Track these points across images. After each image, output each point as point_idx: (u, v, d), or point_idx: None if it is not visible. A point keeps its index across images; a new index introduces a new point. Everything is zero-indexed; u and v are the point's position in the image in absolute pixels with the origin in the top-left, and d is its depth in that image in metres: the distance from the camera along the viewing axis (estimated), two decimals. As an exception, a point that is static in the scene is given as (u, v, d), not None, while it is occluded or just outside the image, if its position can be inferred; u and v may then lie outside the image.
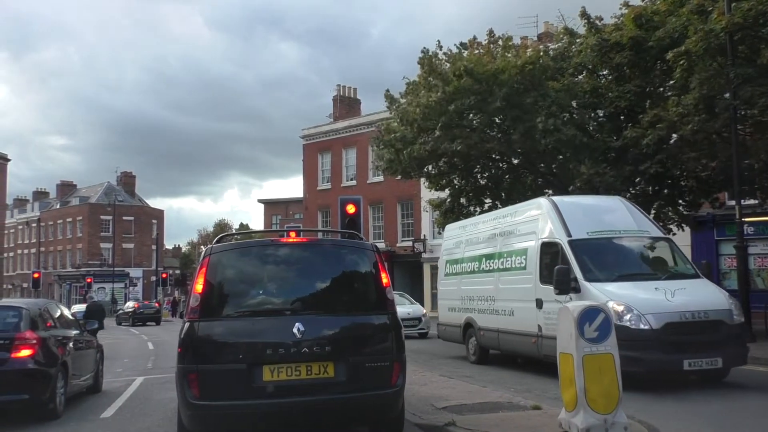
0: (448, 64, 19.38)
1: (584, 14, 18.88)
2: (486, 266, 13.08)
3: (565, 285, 9.73)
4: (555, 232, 10.74)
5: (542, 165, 20.16)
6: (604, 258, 10.48)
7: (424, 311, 22.29)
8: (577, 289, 9.72)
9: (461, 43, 20.16)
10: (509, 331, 11.82)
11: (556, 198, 11.96)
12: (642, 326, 8.92)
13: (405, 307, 21.56)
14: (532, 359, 11.53)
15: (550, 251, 10.81)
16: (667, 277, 10.17)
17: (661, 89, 17.95)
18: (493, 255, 12.79)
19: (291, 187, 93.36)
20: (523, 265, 11.57)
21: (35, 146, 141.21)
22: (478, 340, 13.24)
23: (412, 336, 20.38)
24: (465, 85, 18.14)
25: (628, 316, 9.01)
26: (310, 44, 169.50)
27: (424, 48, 20.05)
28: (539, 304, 10.79)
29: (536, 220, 11.44)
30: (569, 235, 10.46)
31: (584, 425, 5.70)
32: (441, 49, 20.02)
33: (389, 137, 20.58)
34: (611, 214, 11.12)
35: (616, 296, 9.31)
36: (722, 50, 14.47)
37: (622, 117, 18.46)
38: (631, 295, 9.38)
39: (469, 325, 13.63)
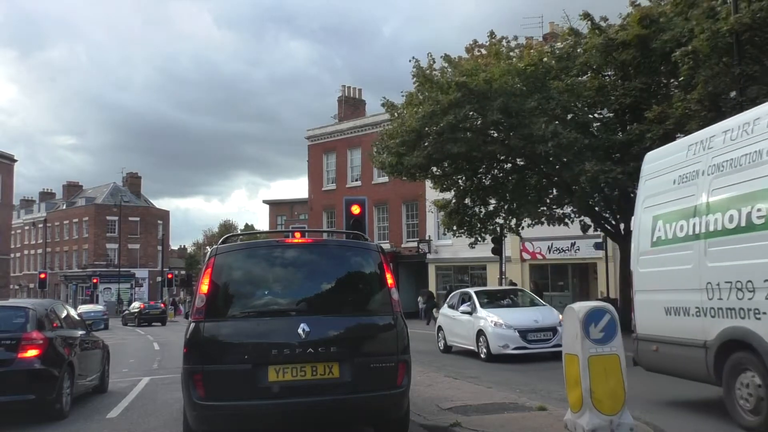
0: (450, 69, 19.28)
1: (586, 15, 18.88)
2: None
3: None
4: None
5: (544, 169, 20.11)
6: None
7: (560, 317, 13.56)
8: None
9: (447, 57, 19.72)
10: None
11: None
12: None
13: (530, 311, 14.77)
14: None
15: None
16: None
17: (666, 87, 17.92)
18: None
19: (299, 187, 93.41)
20: None
21: (44, 146, 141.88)
22: None
23: (543, 356, 13.49)
24: (458, 98, 17.86)
25: None
26: (322, 42, 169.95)
27: (415, 59, 19.62)
28: None
29: None
30: None
31: (590, 426, 5.69)
32: (434, 62, 19.75)
33: (391, 142, 20.56)
34: None
35: None
36: (729, 50, 14.43)
37: (627, 114, 18.40)
38: None
39: (736, 345, 6.62)
